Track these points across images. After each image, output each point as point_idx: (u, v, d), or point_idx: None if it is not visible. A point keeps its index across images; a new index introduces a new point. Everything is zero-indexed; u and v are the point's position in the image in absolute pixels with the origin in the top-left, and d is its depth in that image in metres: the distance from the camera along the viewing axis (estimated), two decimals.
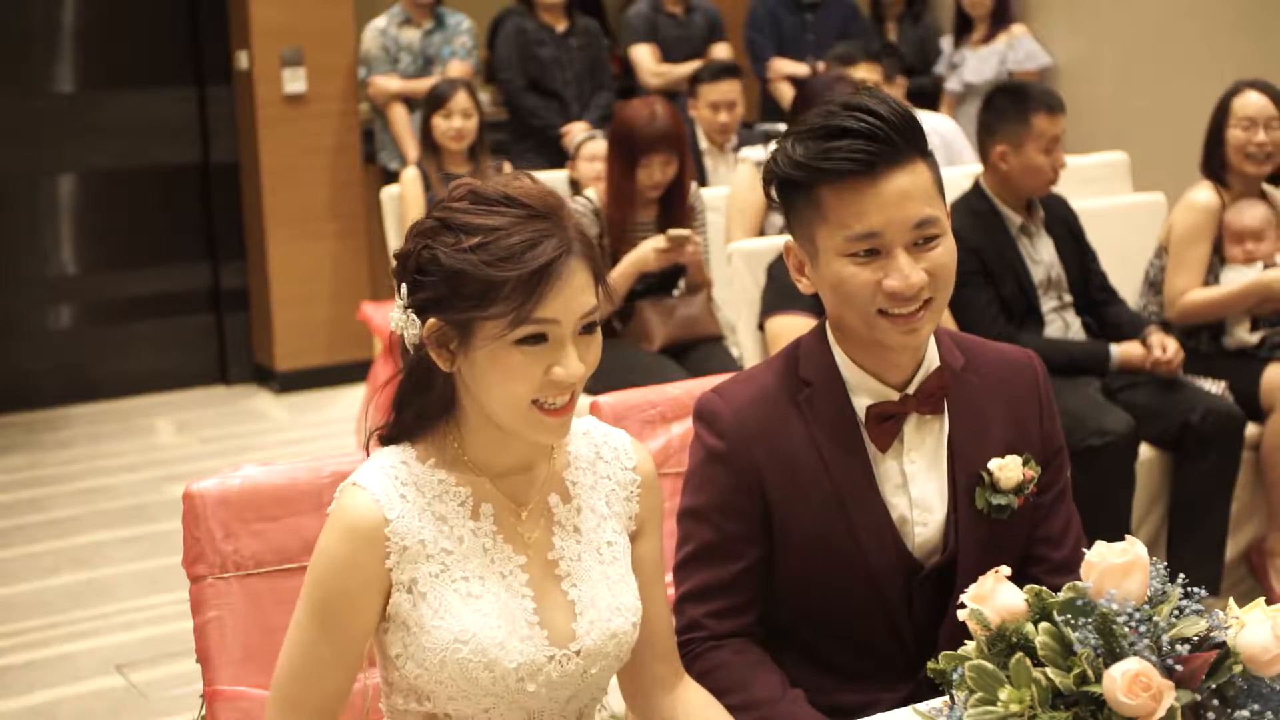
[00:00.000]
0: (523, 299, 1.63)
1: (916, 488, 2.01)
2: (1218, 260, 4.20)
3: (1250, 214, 4.17)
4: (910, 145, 1.92)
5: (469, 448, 1.76)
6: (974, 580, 1.54)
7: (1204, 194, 4.23)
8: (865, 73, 5.34)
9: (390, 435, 1.79)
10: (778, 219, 4.57)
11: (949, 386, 2.02)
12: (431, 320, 1.68)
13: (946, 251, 1.94)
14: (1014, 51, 6.67)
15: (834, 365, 2.02)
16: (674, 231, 4.29)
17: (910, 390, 2.00)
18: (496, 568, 1.74)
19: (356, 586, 1.69)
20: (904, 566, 2.00)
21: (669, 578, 2.03)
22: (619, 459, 1.87)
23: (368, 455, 1.79)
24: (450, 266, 1.65)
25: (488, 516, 1.75)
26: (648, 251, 4.24)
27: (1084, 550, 2.07)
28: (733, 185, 4.72)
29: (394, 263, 1.75)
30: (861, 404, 2.00)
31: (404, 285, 1.70)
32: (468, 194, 1.70)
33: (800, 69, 6.41)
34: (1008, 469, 2.00)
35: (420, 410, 1.76)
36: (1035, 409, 2.10)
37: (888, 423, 1.99)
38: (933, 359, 2.02)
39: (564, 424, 1.72)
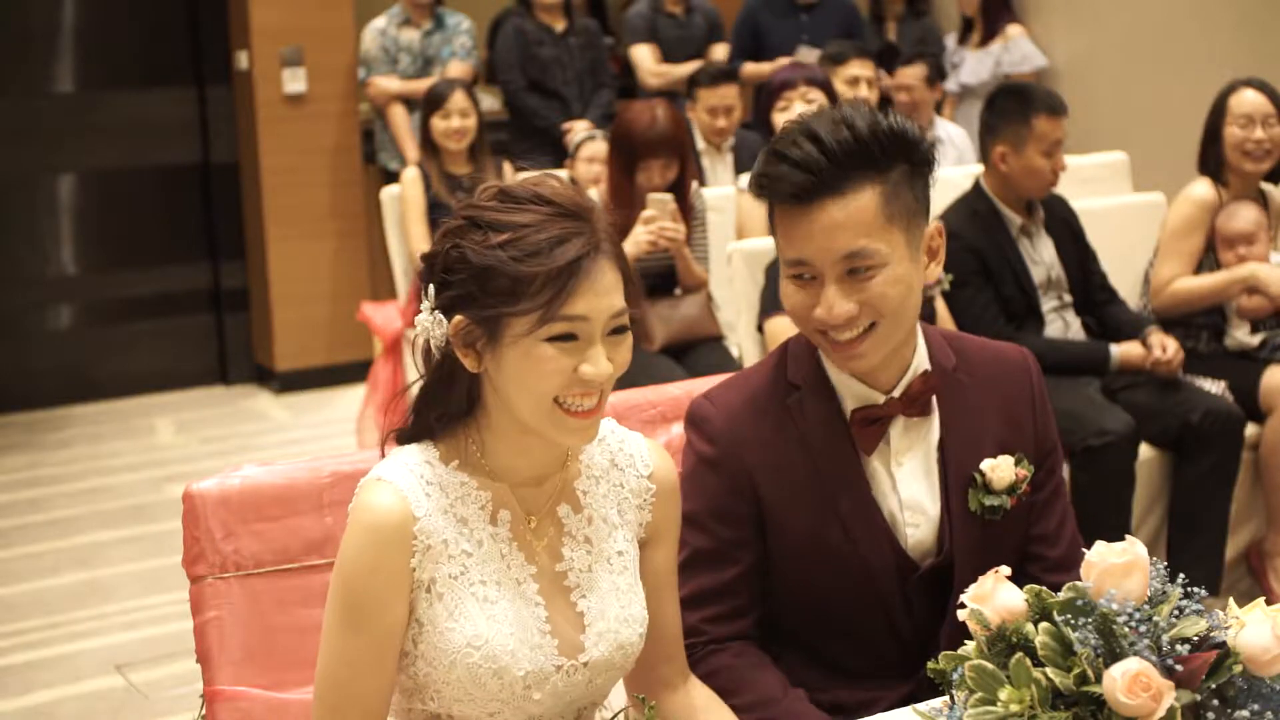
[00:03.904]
0: (551, 295, 1.62)
1: (905, 489, 2.01)
2: (1213, 259, 4.20)
3: (1240, 218, 4.16)
4: (854, 173, 1.90)
5: (489, 453, 1.75)
6: (971, 581, 1.54)
7: (1201, 188, 4.23)
8: (858, 69, 5.33)
9: (410, 434, 1.77)
10: None
11: (938, 389, 2.02)
12: (458, 318, 1.66)
13: (886, 282, 1.91)
14: (1009, 54, 6.67)
15: (821, 368, 2.02)
16: (654, 196, 4.26)
17: (896, 393, 2.00)
18: (512, 574, 1.73)
19: (384, 584, 1.66)
20: (899, 567, 2.00)
21: None
22: (634, 465, 1.86)
23: (383, 455, 1.77)
24: (478, 263, 1.64)
25: (504, 523, 1.74)
26: (638, 237, 4.21)
27: (1080, 547, 2.08)
28: (737, 216, 4.70)
29: (420, 265, 1.73)
30: (848, 408, 2.01)
31: (431, 286, 1.69)
32: (497, 193, 1.70)
33: (763, 69, 6.36)
34: (1000, 469, 2.00)
35: (443, 411, 1.75)
36: (1029, 407, 2.09)
37: (873, 426, 1.99)
38: (921, 361, 2.03)
39: (591, 426, 1.70)
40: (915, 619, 2.01)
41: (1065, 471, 3.74)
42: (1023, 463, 2.02)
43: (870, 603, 2.00)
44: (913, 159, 1.96)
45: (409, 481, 1.69)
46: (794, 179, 1.89)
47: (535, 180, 1.72)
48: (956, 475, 2.01)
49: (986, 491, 2.00)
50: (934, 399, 2.03)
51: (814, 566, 2.00)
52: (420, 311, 1.70)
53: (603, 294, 1.65)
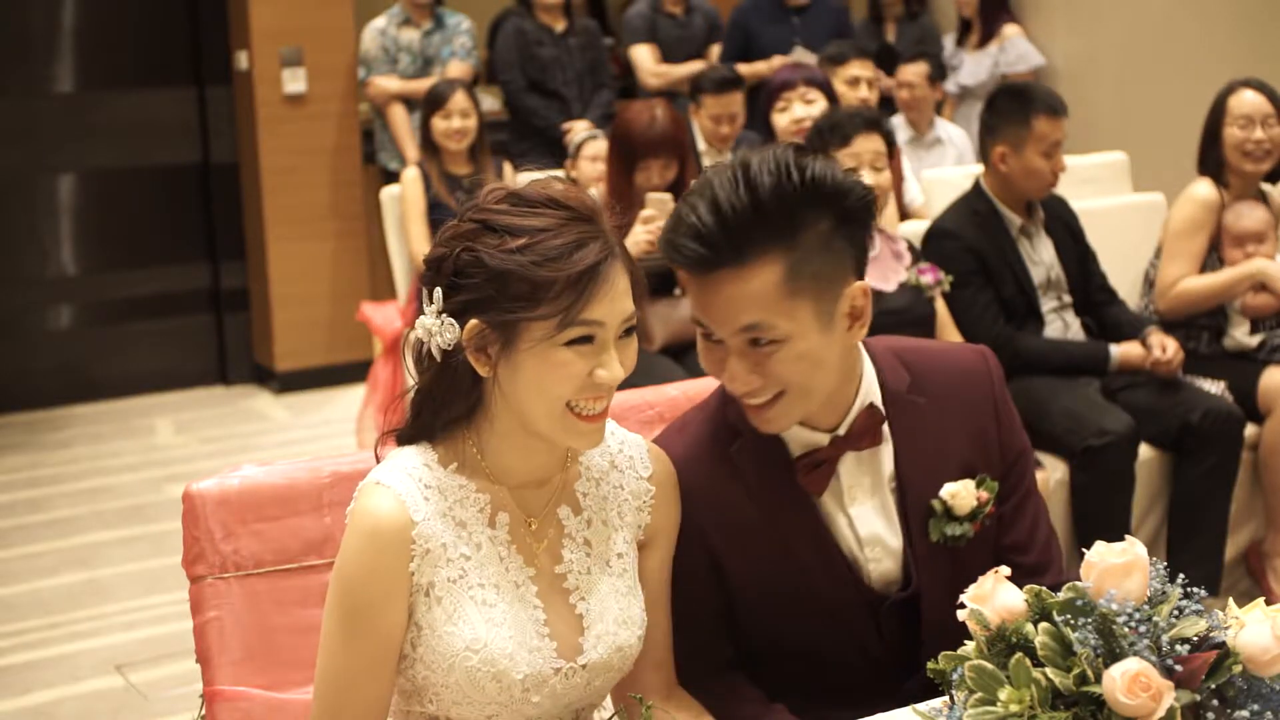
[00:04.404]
0: (571, 300, 1.62)
1: (863, 526, 1.94)
2: (1216, 259, 4.20)
3: (1250, 217, 4.16)
4: (755, 243, 1.78)
5: (489, 455, 1.74)
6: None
7: (1203, 188, 4.23)
8: (858, 70, 5.33)
9: (408, 437, 1.76)
10: None
11: (889, 416, 1.94)
12: (473, 322, 1.65)
13: (791, 359, 1.81)
14: (1006, 54, 6.68)
15: None
16: (653, 195, 4.25)
17: (841, 431, 1.92)
18: (510, 577, 1.72)
19: (383, 590, 1.66)
20: (864, 602, 1.94)
21: None
22: (634, 468, 1.85)
23: (378, 459, 1.77)
24: (496, 267, 1.63)
25: (503, 525, 1.74)
26: (637, 237, 4.20)
27: (1054, 549, 2.04)
28: None
29: (423, 268, 1.71)
30: (794, 450, 1.93)
31: (437, 290, 1.67)
32: (507, 196, 1.69)
33: (759, 69, 6.36)
34: (960, 496, 1.92)
35: (445, 415, 1.73)
36: (991, 415, 1.99)
37: (820, 468, 1.91)
38: (868, 393, 1.94)
39: (600, 430, 1.70)
40: (888, 642, 1.96)
41: (1065, 472, 3.75)
42: (984, 483, 1.94)
43: (840, 637, 1.95)
44: (839, 210, 1.81)
45: (407, 485, 1.69)
46: (689, 250, 1.79)
47: (543, 183, 1.71)
48: (915, 505, 1.93)
49: (948, 519, 1.92)
50: (885, 426, 1.94)
51: (777, 611, 1.94)
52: (422, 314, 1.69)
53: (617, 298, 1.66)
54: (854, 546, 1.94)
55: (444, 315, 1.67)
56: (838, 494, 1.94)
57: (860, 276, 1.87)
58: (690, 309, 1.87)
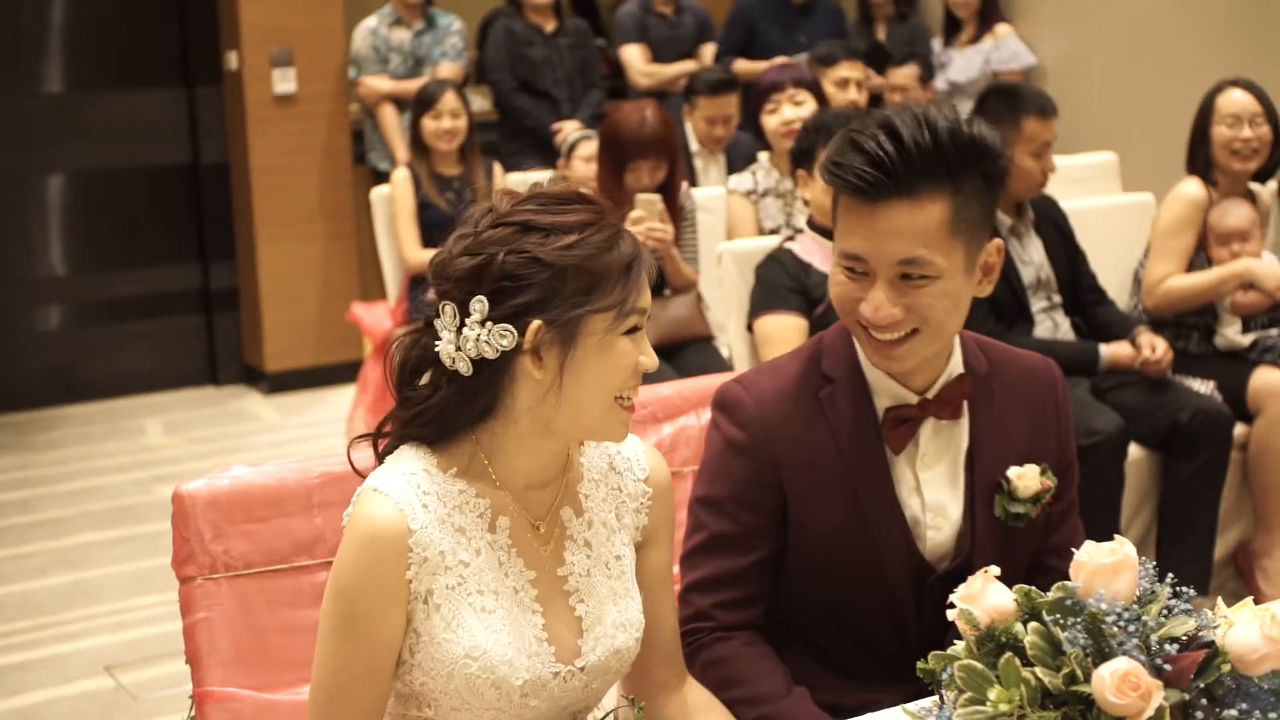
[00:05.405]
0: (625, 290, 1.67)
1: (930, 492, 2.01)
2: (1205, 259, 4.21)
3: (1235, 215, 4.17)
4: (928, 179, 1.87)
5: (500, 459, 1.73)
6: None
7: (1191, 187, 4.24)
8: (847, 70, 5.33)
9: (408, 438, 1.75)
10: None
11: (970, 393, 2.02)
12: (536, 323, 1.64)
13: (938, 295, 1.90)
14: (998, 52, 6.69)
15: (858, 364, 2.01)
16: (642, 196, 4.25)
17: (930, 395, 1.99)
18: (510, 582, 1.72)
19: (380, 597, 1.66)
20: (915, 568, 2.00)
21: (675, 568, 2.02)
22: (631, 469, 1.86)
23: (353, 466, 1.77)
24: (556, 263, 1.64)
25: (504, 530, 1.73)
26: None
27: None
28: (727, 216, 4.70)
29: (445, 279, 1.68)
30: (881, 405, 2.00)
31: (478, 299, 1.64)
32: (531, 197, 1.70)
33: (757, 68, 6.35)
34: (1026, 478, 2.00)
35: (457, 422, 1.71)
36: (1053, 420, 2.09)
37: (904, 426, 1.99)
38: (956, 365, 2.02)
39: (630, 420, 1.75)
40: (924, 623, 2.00)
41: None
42: (1047, 473, 2.02)
43: (882, 603, 2.00)
44: (988, 171, 1.92)
45: (405, 493, 1.68)
46: (865, 174, 1.86)
47: (561, 182, 1.74)
48: (983, 481, 2.01)
49: (1012, 499, 2.00)
50: (965, 403, 2.02)
51: (830, 561, 1.99)
52: (455, 330, 1.66)
53: (647, 286, 1.71)
54: (918, 511, 2.01)
55: (489, 323, 1.65)
56: (912, 457, 2.01)
57: (993, 235, 1.98)
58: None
